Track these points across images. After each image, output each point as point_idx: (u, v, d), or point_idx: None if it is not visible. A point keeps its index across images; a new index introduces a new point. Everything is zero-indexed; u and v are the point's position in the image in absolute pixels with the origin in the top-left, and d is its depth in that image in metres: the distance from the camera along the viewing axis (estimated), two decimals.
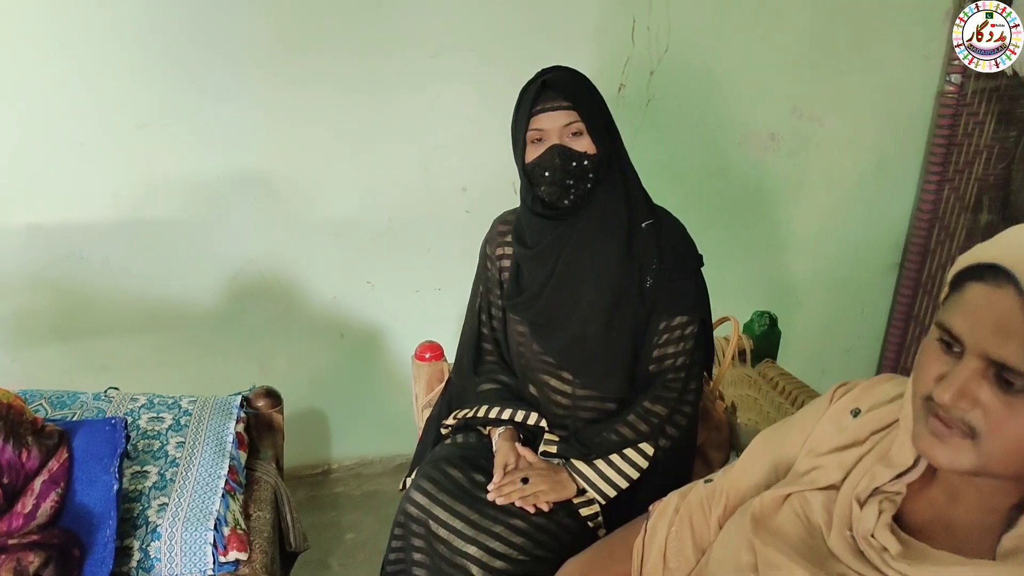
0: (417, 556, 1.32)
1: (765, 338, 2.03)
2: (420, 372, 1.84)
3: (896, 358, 2.75)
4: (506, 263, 1.47)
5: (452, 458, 1.38)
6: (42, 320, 1.97)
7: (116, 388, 1.58)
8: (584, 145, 1.28)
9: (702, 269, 1.41)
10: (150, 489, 1.29)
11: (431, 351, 1.85)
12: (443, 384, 1.81)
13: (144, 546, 1.22)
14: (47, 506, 1.12)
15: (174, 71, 1.89)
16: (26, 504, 1.11)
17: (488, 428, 1.44)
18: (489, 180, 2.24)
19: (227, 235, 2.06)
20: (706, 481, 1.02)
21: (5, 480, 1.09)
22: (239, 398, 1.55)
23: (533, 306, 1.38)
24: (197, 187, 2.00)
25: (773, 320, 2.05)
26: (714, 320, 1.50)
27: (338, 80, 2.01)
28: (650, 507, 1.04)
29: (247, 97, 1.96)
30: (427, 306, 2.30)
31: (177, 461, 1.35)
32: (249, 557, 1.27)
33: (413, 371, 1.89)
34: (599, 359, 1.36)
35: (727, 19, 2.27)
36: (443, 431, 1.49)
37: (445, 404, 1.59)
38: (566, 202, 1.30)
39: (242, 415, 1.51)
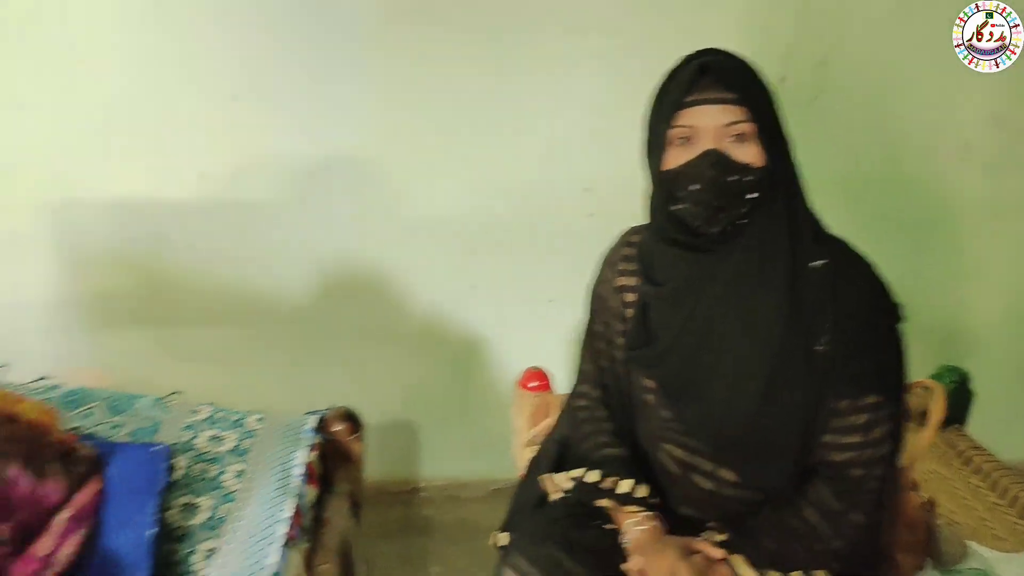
0: None
1: (953, 399, 1.62)
2: (523, 403, 1.57)
3: None
4: (630, 297, 1.14)
5: (555, 536, 1.09)
6: (123, 303, 1.83)
7: (179, 392, 1.39)
8: (749, 155, 0.96)
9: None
10: (199, 528, 1.08)
11: (537, 379, 1.58)
12: (552, 419, 1.53)
13: None
14: (68, 550, 0.92)
15: (271, 42, 1.69)
16: (44, 546, 0.92)
17: (611, 507, 1.12)
18: (619, 180, 1.91)
19: (319, 224, 1.85)
20: None
21: (21, 516, 0.89)
22: (312, 420, 1.32)
23: (663, 362, 1.06)
24: (288, 169, 1.80)
25: (964, 378, 1.64)
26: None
27: (454, 57, 1.76)
28: None
29: (351, 74, 1.74)
30: (537, 319, 2.02)
31: (233, 495, 1.13)
32: None
33: (515, 400, 1.62)
34: (754, 442, 1.02)
35: None
36: (551, 492, 1.18)
37: (555, 448, 1.28)
38: (714, 229, 0.98)
39: (315, 442, 1.28)
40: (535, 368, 1.58)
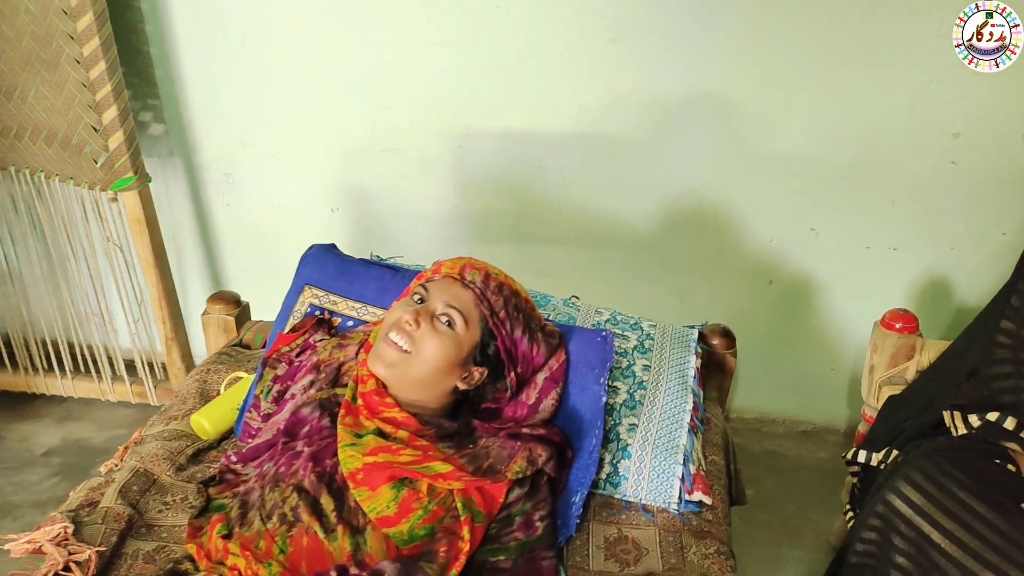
0: (899, 560, 1.14)
1: None
2: (884, 342, 1.61)
3: None
4: None
5: (958, 461, 1.14)
6: (500, 220, 2.12)
7: (577, 296, 1.61)
8: None
9: None
10: (620, 406, 1.28)
11: (904, 321, 1.60)
12: (912, 362, 1.55)
13: (615, 461, 1.22)
14: (548, 402, 1.16)
15: None
16: (530, 396, 1.17)
17: (1019, 452, 1.14)
18: (991, 127, 1.84)
19: (674, 158, 1.98)
20: None
21: (519, 369, 1.14)
22: (696, 332, 1.48)
23: None
24: (655, 105, 1.94)
25: None
26: None
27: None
28: None
29: (725, 13, 1.81)
30: (876, 267, 2.01)
31: (644, 384, 1.32)
32: (712, 503, 1.20)
33: (873, 338, 1.66)
34: None
35: None
36: (956, 427, 1.22)
37: (956, 379, 1.29)
38: None
39: (699, 350, 1.44)
40: (903, 310, 1.60)
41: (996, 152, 1.86)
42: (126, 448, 1.31)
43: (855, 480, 1.50)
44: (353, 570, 0.90)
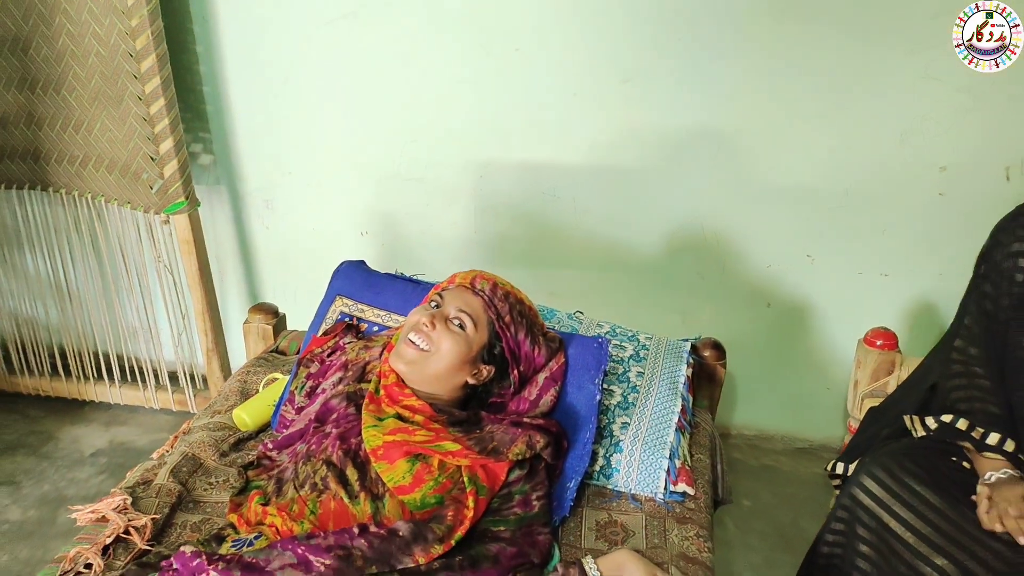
0: (863, 548, 1.25)
1: None
2: (867, 358, 1.73)
3: None
4: None
5: (917, 458, 1.26)
6: (515, 245, 2.28)
7: (581, 312, 1.76)
8: None
9: None
10: (615, 407, 1.43)
11: (884, 339, 1.72)
12: (892, 376, 1.67)
13: (608, 455, 1.36)
14: (548, 399, 1.31)
15: (665, 30, 1.98)
16: (531, 392, 1.32)
17: (971, 450, 1.27)
18: (975, 161, 1.97)
19: (680, 189, 2.14)
20: None
21: (521, 368, 1.29)
22: (689, 344, 1.62)
23: None
24: (663, 140, 2.10)
25: None
26: None
27: (823, 36, 1.91)
28: None
29: (729, 56, 1.97)
30: (868, 291, 2.14)
31: (637, 388, 1.46)
32: (695, 494, 1.33)
33: (857, 355, 1.78)
34: None
35: None
36: (916, 430, 1.34)
37: (924, 393, 1.42)
38: None
39: (690, 360, 1.57)
40: (883, 328, 1.73)
41: (981, 184, 1.99)
42: (176, 437, 1.48)
43: (838, 492, 1.60)
44: (373, 528, 1.05)
